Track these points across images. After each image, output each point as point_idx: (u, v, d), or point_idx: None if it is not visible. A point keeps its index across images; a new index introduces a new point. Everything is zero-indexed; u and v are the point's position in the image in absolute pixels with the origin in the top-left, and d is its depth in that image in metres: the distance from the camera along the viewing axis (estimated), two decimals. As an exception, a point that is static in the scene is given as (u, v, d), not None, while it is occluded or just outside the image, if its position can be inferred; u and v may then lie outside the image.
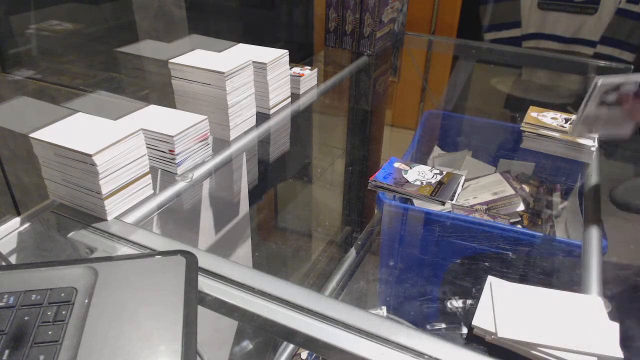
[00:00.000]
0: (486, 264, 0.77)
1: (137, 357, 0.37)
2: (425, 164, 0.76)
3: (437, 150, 1.14)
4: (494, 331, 0.49)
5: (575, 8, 1.41)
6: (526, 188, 0.98)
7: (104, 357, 0.37)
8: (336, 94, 1.06)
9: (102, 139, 0.53)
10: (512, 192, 0.94)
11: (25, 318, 0.39)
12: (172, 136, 0.62)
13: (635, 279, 0.72)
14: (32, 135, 0.54)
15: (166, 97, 0.75)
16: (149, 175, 0.60)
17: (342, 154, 1.29)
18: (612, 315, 0.49)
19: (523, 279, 0.72)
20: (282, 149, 0.86)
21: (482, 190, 0.97)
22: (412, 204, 0.89)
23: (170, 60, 0.72)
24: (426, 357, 0.40)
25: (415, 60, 1.47)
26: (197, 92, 0.72)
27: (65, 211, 0.57)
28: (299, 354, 0.82)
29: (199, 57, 0.73)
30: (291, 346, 0.86)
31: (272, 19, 1.32)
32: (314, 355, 0.80)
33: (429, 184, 0.68)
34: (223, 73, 0.68)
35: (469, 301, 0.75)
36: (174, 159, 0.63)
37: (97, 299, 0.41)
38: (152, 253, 0.50)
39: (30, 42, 0.86)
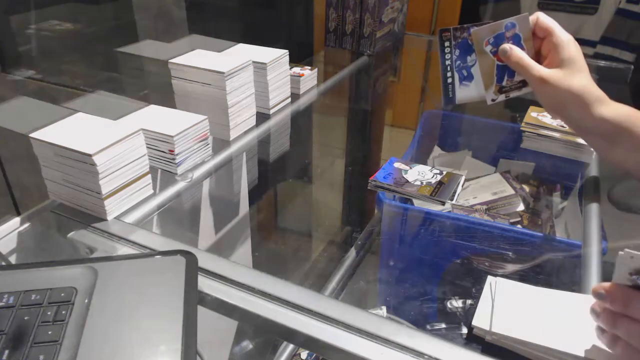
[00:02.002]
0: (486, 264, 0.77)
1: (137, 357, 0.37)
2: (425, 164, 0.76)
3: (437, 150, 1.14)
4: (490, 326, 0.49)
5: (575, 8, 1.41)
6: (526, 188, 0.98)
7: (104, 357, 0.37)
8: (336, 94, 1.06)
9: (102, 139, 0.53)
10: (512, 192, 0.94)
11: (25, 318, 0.39)
12: (172, 136, 0.62)
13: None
14: (32, 135, 0.54)
15: (166, 97, 0.75)
16: (149, 175, 0.60)
17: (342, 154, 1.30)
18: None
19: (523, 279, 0.72)
20: (282, 149, 0.86)
21: (482, 190, 0.97)
22: (412, 204, 0.89)
23: (170, 60, 0.72)
24: (426, 357, 0.40)
25: (415, 60, 1.47)
26: (197, 92, 0.72)
27: (65, 211, 0.57)
28: (299, 354, 0.82)
29: (199, 57, 0.73)
30: (291, 346, 0.86)
31: (272, 19, 1.32)
32: (314, 355, 0.80)
33: (429, 184, 0.68)
34: (223, 73, 0.69)
35: (468, 301, 0.75)
36: (174, 159, 0.63)
37: (97, 299, 0.41)
38: (152, 253, 0.50)
39: (30, 42, 0.86)
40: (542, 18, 0.62)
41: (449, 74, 0.66)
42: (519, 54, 0.62)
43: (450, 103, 0.67)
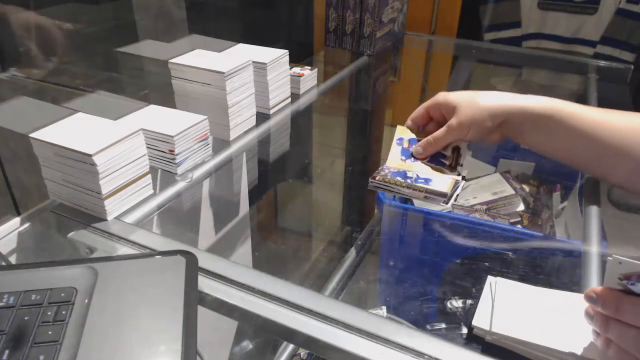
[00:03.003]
0: (486, 264, 0.77)
1: (137, 357, 0.37)
2: (425, 164, 0.76)
3: (437, 150, 1.13)
4: (490, 326, 0.49)
5: (575, 8, 1.41)
6: (526, 188, 0.98)
7: (104, 357, 0.37)
8: (336, 94, 1.05)
9: (102, 139, 0.53)
10: (512, 192, 0.94)
11: (25, 318, 0.39)
12: (172, 136, 0.62)
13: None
14: (32, 135, 0.54)
15: (166, 97, 0.75)
16: (149, 175, 0.60)
17: (342, 154, 1.29)
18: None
19: (523, 279, 0.71)
20: (282, 149, 0.86)
21: (482, 190, 0.97)
22: (412, 204, 0.89)
23: (170, 60, 0.72)
24: (426, 357, 0.40)
25: (415, 60, 1.47)
26: (197, 92, 0.72)
27: (65, 211, 0.57)
28: (299, 354, 0.82)
29: (199, 57, 0.73)
30: (291, 346, 0.86)
31: (272, 19, 1.32)
32: (313, 355, 0.80)
33: (429, 184, 0.68)
34: (223, 73, 0.69)
35: (469, 301, 0.75)
36: (174, 159, 0.63)
37: (97, 299, 0.41)
38: (152, 253, 0.50)
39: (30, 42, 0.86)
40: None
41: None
42: (420, 145, 0.67)
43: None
